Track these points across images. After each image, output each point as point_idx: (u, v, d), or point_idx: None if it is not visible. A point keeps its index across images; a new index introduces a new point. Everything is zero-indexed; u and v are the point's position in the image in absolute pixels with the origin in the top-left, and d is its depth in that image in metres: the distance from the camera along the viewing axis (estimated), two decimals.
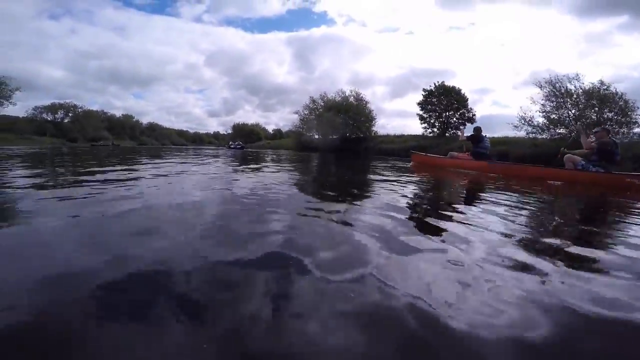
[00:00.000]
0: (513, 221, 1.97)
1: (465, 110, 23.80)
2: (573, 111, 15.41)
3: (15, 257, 1.11)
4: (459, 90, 24.06)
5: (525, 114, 16.60)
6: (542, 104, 16.16)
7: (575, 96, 15.30)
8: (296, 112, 32.81)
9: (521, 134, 16.81)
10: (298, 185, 3.47)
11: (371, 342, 0.69)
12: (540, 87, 16.12)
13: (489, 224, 1.81)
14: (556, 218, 2.20)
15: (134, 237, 1.36)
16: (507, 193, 3.46)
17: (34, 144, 27.31)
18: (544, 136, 16.21)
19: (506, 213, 2.22)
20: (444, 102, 23.95)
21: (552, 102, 15.99)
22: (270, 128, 72.80)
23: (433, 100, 24.33)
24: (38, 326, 0.71)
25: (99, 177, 3.50)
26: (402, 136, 26.25)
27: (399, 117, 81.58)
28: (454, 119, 24.04)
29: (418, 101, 24.97)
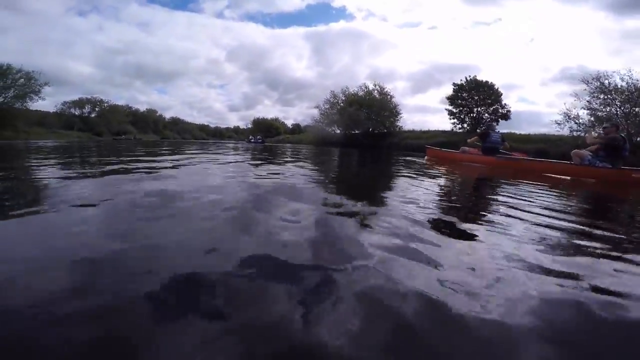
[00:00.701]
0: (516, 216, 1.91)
1: (499, 106, 22.31)
2: (622, 108, 14.23)
3: (36, 243, 1.15)
4: (492, 85, 22.59)
5: (569, 110, 15.30)
6: (587, 100, 14.99)
7: (627, 93, 14.08)
8: (316, 107, 32.15)
9: (564, 131, 15.52)
10: (325, 181, 3.52)
11: (384, 337, 0.67)
12: (587, 83, 15.00)
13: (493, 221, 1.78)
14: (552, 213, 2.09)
15: (154, 232, 1.32)
16: (510, 187, 3.50)
17: (62, 137, 28.02)
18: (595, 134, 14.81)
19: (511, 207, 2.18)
20: (475, 97, 22.53)
21: (599, 98, 14.80)
22: (289, 123, 72.49)
23: (464, 95, 22.96)
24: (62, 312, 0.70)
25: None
26: (428, 132, 25.01)
27: (420, 112, 79.27)
28: (486, 115, 22.59)
29: (448, 95, 23.68)
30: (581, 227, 1.79)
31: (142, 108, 60.74)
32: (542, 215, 1.96)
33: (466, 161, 7.26)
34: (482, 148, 7.12)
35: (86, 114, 45.54)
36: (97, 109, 46.58)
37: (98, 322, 0.69)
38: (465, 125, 23.03)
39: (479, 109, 22.75)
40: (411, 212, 1.83)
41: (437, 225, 1.59)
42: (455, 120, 23.44)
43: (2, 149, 8.59)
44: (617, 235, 1.63)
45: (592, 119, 14.97)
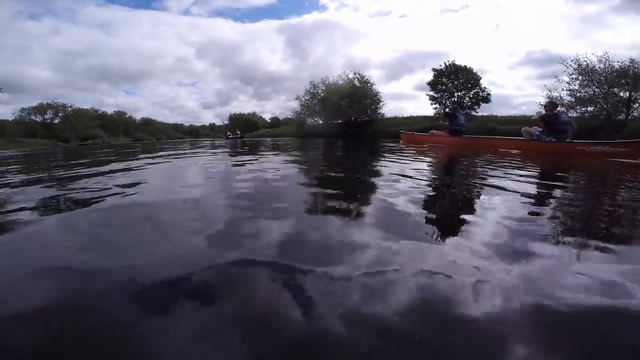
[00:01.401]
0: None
1: (479, 89, 22.59)
2: (600, 89, 14.81)
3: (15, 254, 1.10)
4: (471, 70, 22.81)
5: (550, 92, 15.65)
6: (567, 82, 15.56)
7: (604, 75, 14.66)
8: (296, 98, 31.39)
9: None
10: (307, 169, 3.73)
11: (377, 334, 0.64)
12: (566, 65, 15.49)
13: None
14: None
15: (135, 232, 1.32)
16: (478, 162, 4.19)
17: (25, 147, 25.96)
18: (572, 115, 15.30)
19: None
20: (455, 82, 22.68)
21: (577, 79, 15.37)
22: (266, 117, 70.98)
23: (444, 80, 23.05)
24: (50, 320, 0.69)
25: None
26: (411, 117, 25.08)
27: (396, 99, 79.60)
28: (467, 99, 22.85)
29: (428, 81, 23.73)
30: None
31: (110, 111, 57.24)
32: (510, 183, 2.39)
33: (436, 142, 7.91)
34: (449, 130, 7.77)
35: (49, 120, 42.50)
36: (60, 114, 43.52)
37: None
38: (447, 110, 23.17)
39: (459, 93, 22.94)
40: (395, 197, 1.85)
41: (425, 209, 1.66)
42: (437, 106, 23.50)
43: None
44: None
45: (572, 100, 15.38)
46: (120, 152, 8.58)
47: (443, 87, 23.27)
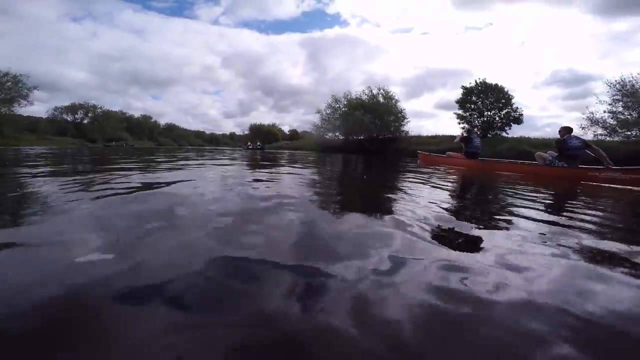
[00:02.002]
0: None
1: (510, 110, 21.63)
2: None
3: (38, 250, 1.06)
4: (502, 88, 21.95)
5: (593, 114, 14.62)
6: (609, 104, 14.47)
7: None
8: (317, 112, 31.21)
9: (587, 136, 14.83)
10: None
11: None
12: (610, 86, 14.43)
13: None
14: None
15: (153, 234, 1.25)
16: (489, 183, 4.22)
17: (54, 144, 26.77)
18: (615, 138, 14.24)
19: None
20: (485, 100, 21.85)
21: (621, 101, 14.24)
22: (285, 129, 71.59)
23: (473, 98, 22.27)
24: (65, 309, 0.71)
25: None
26: (436, 137, 24.24)
27: (415, 117, 78.99)
28: (497, 119, 21.91)
29: (457, 99, 22.95)
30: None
31: (137, 114, 59.25)
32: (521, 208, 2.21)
33: (452, 164, 8.07)
34: (464, 152, 7.92)
35: (79, 120, 44.19)
36: (90, 114, 45.24)
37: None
38: (476, 130, 22.23)
39: (489, 113, 22.03)
40: (414, 213, 1.83)
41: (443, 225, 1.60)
42: (466, 125, 22.63)
43: None
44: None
45: (614, 122, 14.33)
46: (145, 159, 8.47)
47: (472, 106, 22.44)
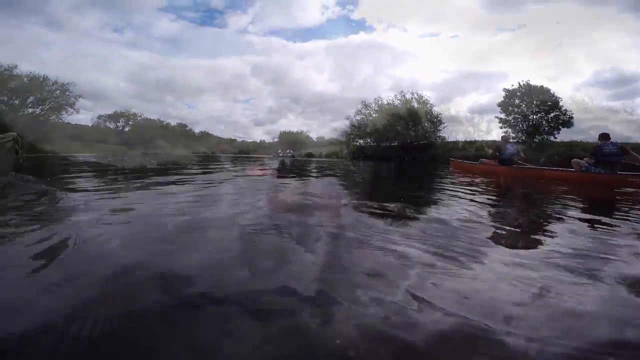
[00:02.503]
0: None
1: (559, 112, 20.06)
2: None
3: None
4: (548, 90, 20.47)
5: None
6: None
7: None
8: (347, 118, 30.83)
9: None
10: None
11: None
12: None
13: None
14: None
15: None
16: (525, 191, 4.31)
17: (98, 151, 28.31)
18: None
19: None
20: (530, 103, 20.43)
21: None
22: (312, 136, 71.73)
23: (516, 101, 20.93)
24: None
25: None
26: (475, 142, 22.98)
27: (449, 122, 75.98)
28: (544, 122, 20.38)
29: (499, 102, 21.69)
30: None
31: (173, 122, 61.81)
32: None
33: (485, 171, 7.93)
34: (499, 159, 7.86)
35: (120, 128, 46.77)
36: (130, 122, 47.77)
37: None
38: (521, 134, 20.81)
39: (535, 117, 20.56)
40: (448, 221, 1.90)
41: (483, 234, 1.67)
42: (509, 130, 21.28)
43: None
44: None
45: None
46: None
47: (515, 110, 21.06)
